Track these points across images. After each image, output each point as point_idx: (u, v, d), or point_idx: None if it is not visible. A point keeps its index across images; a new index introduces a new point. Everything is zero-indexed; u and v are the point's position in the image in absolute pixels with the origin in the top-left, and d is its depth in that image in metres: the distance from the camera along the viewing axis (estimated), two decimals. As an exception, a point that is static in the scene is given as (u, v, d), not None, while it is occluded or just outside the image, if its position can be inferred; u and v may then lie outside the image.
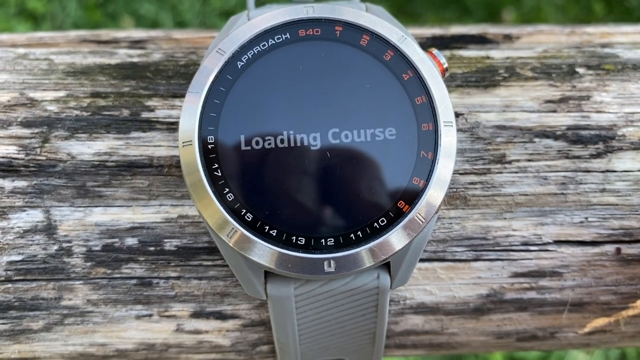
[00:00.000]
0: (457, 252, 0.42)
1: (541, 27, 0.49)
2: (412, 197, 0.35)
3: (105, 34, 0.49)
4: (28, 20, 1.53)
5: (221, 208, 0.35)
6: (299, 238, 0.35)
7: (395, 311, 0.43)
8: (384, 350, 0.44)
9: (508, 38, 0.48)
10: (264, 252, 0.35)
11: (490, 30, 0.49)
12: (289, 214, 0.35)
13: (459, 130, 0.42)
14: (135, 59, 0.45)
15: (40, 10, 1.55)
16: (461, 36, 0.48)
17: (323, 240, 0.35)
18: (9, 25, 1.49)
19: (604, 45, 0.48)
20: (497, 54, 0.46)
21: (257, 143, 0.35)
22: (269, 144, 0.36)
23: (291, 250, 0.35)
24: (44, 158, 0.41)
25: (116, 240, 0.41)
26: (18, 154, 0.41)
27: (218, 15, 1.55)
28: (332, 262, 0.35)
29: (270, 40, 0.37)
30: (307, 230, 0.35)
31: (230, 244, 0.35)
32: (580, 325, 0.45)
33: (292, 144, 0.35)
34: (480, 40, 0.48)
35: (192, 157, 0.35)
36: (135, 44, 0.48)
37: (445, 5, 1.64)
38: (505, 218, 0.42)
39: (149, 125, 0.42)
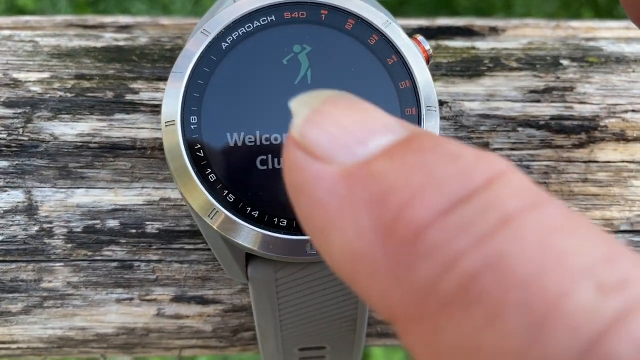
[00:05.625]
0: (439, 239, 0.42)
1: (527, 21, 0.49)
2: None
3: (92, 18, 0.48)
4: (17, 16, 1.53)
5: (203, 189, 0.35)
6: (281, 219, 0.35)
7: (377, 299, 0.43)
8: (365, 339, 0.44)
9: (494, 30, 0.48)
10: (245, 234, 0.35)
11: (477, 22, 0.49)
12: (271, 196, 0.35)
13: (442, 118, 0.42)
14: (121, 43, 0.45)
15: (30, 7, 1.55)
16: (447, 28, 0.48)
17: (305, 222, 0.35)
18: (-1, 20, 1.48)
19: (588, 39, 0.48)
20: (483, 45, 0.46)
21: (240, 125, 0.35)
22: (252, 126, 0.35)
23: (273, 232, 0.35)
24: (26, 138, 0.41)
25: (97, 222, 0.40)
26: (0, 134, 0.41)
27: (209, 16, 1.55)
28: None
29: (255, 22, 0.37)
30: (289, 212, 0.35)
31: (213, 226, 0.35)
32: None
33: (275, 129, 0.35)
34: (467, 32, 0.48)
35: (174, 137, 0.35)
36: (122, 29, 0.48)
37: (436, 11, 1.65)
38: (487, 206, 0.42)
39: (133, 107, 0.42)
